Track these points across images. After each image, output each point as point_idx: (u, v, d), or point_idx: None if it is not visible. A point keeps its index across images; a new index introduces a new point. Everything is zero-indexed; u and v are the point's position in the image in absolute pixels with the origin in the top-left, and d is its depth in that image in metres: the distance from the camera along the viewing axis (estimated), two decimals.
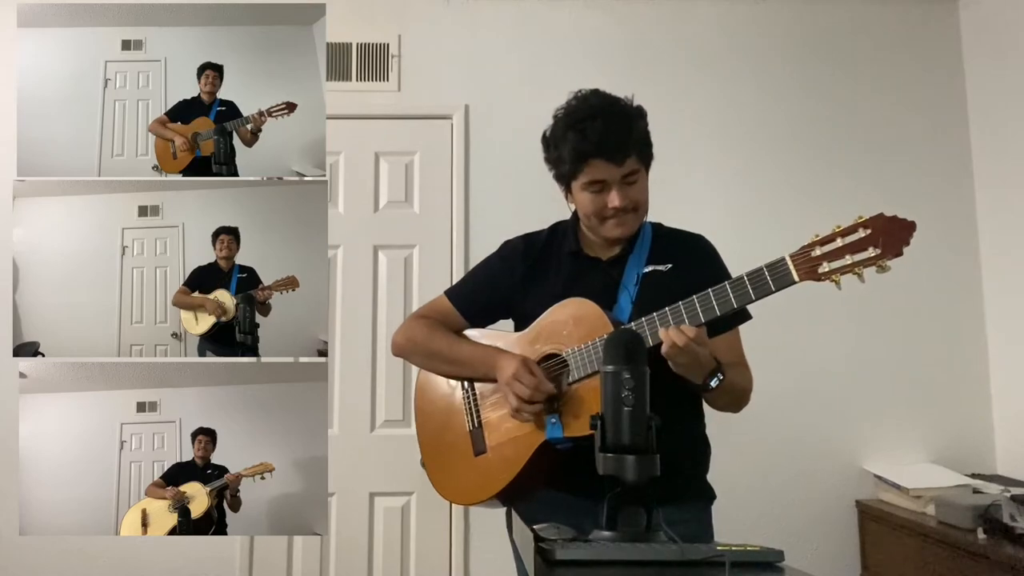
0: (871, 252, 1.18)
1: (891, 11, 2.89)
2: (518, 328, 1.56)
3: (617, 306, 1.44)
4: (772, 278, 1.24)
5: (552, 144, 1.48)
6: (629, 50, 2.84)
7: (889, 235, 1.17)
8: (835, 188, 2.77)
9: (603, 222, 1.46)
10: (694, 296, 1.29)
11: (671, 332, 1.25)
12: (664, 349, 1.26)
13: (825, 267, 1.21)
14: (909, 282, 2.73)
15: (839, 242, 1.20)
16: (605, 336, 1.35)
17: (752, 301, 1.26)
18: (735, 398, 1.46)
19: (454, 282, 2.54)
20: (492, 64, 2.83)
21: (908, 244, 1.17)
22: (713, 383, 1.32)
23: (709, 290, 1.28)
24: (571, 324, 1.42)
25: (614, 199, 1.42)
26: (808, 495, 2.63)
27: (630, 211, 1.45)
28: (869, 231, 1.19)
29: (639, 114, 1.46)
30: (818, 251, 1.22)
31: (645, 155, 1.47)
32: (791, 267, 1.23)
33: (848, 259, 1.19)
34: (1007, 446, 2.63)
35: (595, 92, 1.48)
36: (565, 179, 1.48)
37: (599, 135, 1.39)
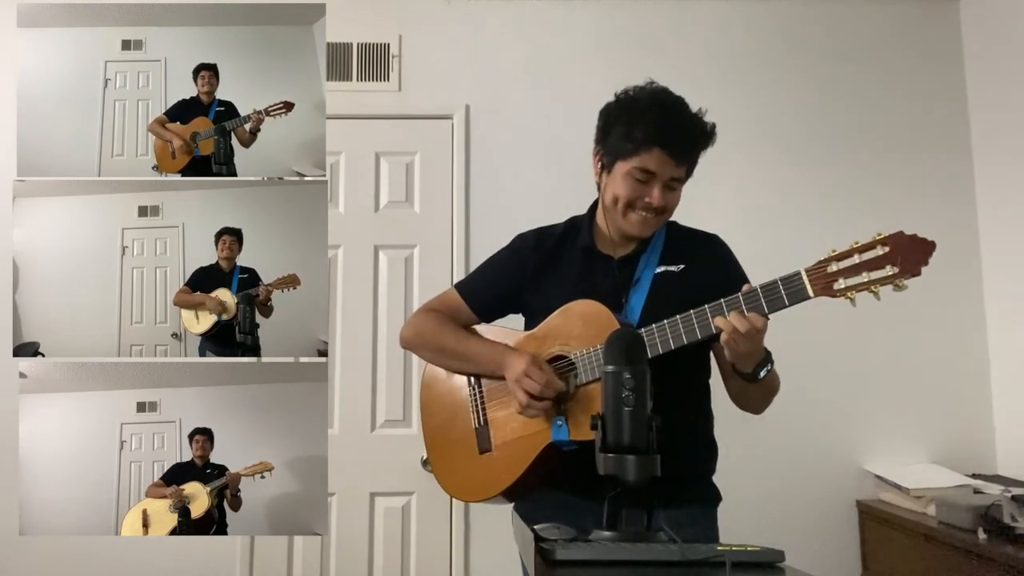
0: (888, 271, 1.15)
1: (891, 11, 2.88)
2: (528, 322, 1.55)
3: (628, 306, 1.43)
4: (787, 292, 1.21)
5: (623, 117, 1.43)
6: (630, 50, 2.83)
7: (908, 254, 1.14)
8: (833, 187, 2.77)
9: (628, 215, 1.44)
10: (705, 306, 1.27)
11: (733, 317, 1.21)
12: (724, 336, 1.22)
13: (841, 283, 1.18)
14: (909, 281, 2.72)
15: (856, 259, 1.18)
16: None
17: (765, 315, 1.22)
18: (766, 397, 1.44)
19: (457, 279, 2.55)
20: (492, 64, 2.83)
21: (927, 264, 1.13)
22: (762, 374, 1.29)
23: (721, 300, 1.25)
24: (580, 326, 1.40)
25: (656, 196, 1.41)
26: (808, 495, 2.63)
27: (659, 213, 1.44)
28: (888, 248, 1.16)
29: (712, 131, 1.43)
30: (834, 267, 1.19)
31: (692, 170, 1.46)
32: (806, 282, 1.20)
33: (865, 276, 1.16)
34: (1008, 446, 2.63)
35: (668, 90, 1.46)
36: (614, 156, 1.43)
37: (679, 129, 1.38)
